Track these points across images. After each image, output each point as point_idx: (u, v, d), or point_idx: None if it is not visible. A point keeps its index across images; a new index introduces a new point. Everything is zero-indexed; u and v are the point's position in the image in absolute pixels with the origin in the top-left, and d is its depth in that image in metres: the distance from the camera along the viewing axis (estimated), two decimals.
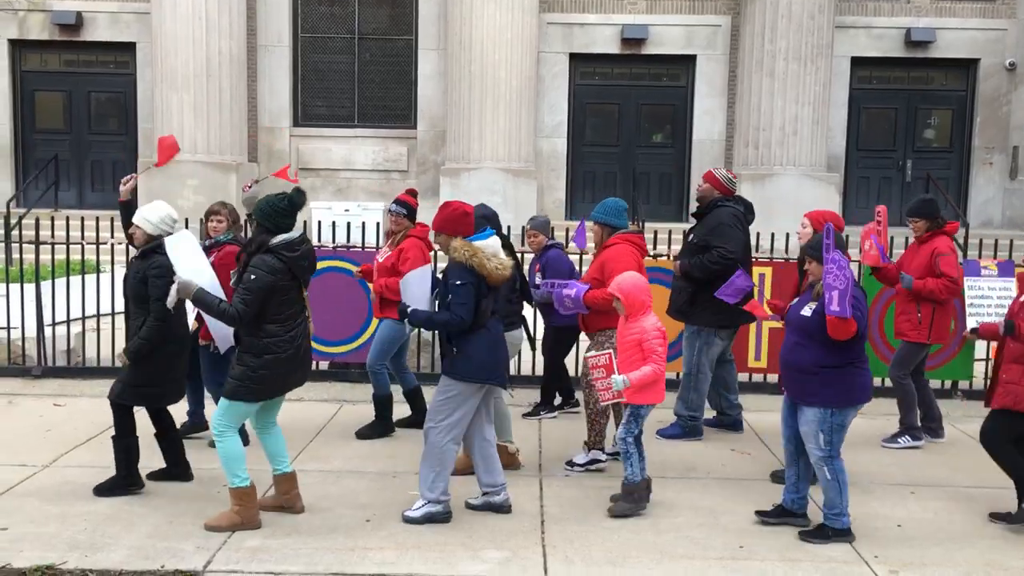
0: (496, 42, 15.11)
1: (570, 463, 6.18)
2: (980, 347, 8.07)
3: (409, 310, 5.16)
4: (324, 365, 8.38)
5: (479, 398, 5.15)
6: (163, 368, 5.38)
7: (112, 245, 8.29)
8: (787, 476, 5.24)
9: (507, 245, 5.96)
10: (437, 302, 5.31)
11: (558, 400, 7.62)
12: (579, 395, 7.47)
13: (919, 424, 6.89)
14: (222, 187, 15.11)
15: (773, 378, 8.13)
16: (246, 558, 4.60)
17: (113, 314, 8.56)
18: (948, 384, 8.25)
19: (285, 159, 16.73)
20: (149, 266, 5.28)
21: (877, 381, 7.04)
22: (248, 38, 16.25)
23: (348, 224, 9.22)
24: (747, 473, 6.14)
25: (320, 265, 6.60)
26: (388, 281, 6.55)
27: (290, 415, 5.86)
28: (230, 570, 4.48)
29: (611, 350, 5.34)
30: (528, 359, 8.32)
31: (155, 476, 5.65)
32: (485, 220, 5.85)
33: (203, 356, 6.28)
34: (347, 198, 16.72)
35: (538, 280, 6.98)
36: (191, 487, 5.59)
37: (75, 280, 9.10)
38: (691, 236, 6.88)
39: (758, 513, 5.27)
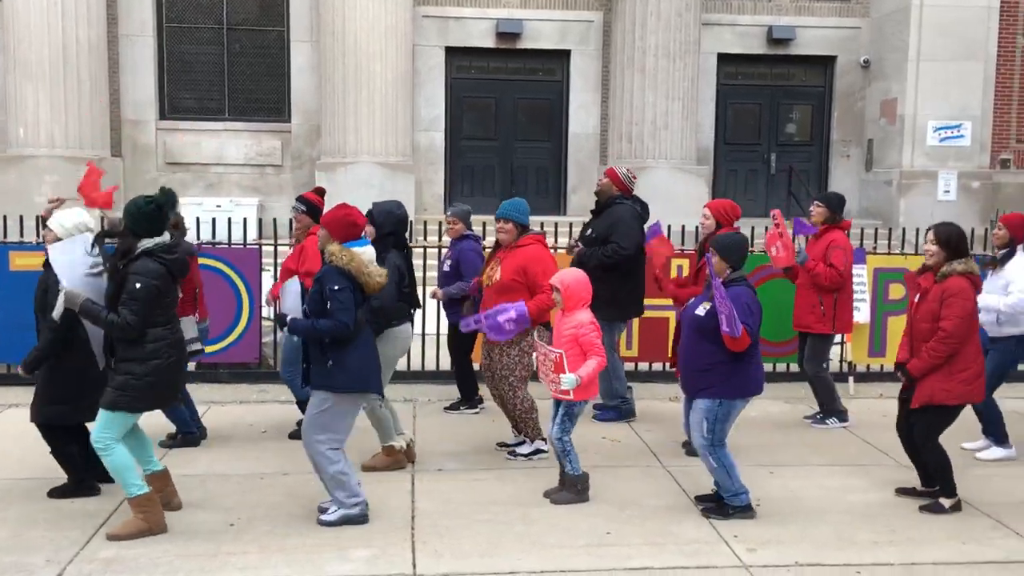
0: (370, 35, 14.91)
1: (513, 452, 6.22)
2: None
3: (289, 319, 4.96)
4: (192, 365, 8.09)
5: (359, 407, 5.08)
6: (71, 384, 5.12)
7: None
8: None
9: (403, 246, 5.94)
10: (305, 308, 5.08)
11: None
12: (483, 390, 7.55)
13: (844, 408, 7.26)
14: None
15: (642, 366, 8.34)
16: (99, 570, 4.40)
17: None
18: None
19: (151, 152, 16.12)
20: (52, 275, 4.99)
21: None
22: (109, 27, 15.55)
23: (214, 220, 8.95)
24: (618, 460, 6.27)
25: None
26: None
27: (154, 417, 5.65)
28: None
29: (562, 350, 5.30)
30: (432, 356, 8.30)
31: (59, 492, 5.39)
32: (399, 223, 5.89)
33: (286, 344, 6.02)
34: (219, 194, 16.23)
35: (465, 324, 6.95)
36: (44, 499, 5.32)
37: None
38: (588, 230, 7.08)
39: (697, 499, 5.46)
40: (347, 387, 4.90)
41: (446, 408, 7.48)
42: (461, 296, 7.03)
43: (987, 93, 16.35)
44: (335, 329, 4.79)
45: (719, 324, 4.91)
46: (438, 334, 8.24)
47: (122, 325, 4.61)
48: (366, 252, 4.99)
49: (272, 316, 7.98)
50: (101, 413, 4.76)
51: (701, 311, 5.13)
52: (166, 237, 4.81)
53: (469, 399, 7.50)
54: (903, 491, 5.68)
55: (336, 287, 4.79)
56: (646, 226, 7.05)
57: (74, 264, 4.82)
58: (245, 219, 9.12)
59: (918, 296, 5.44)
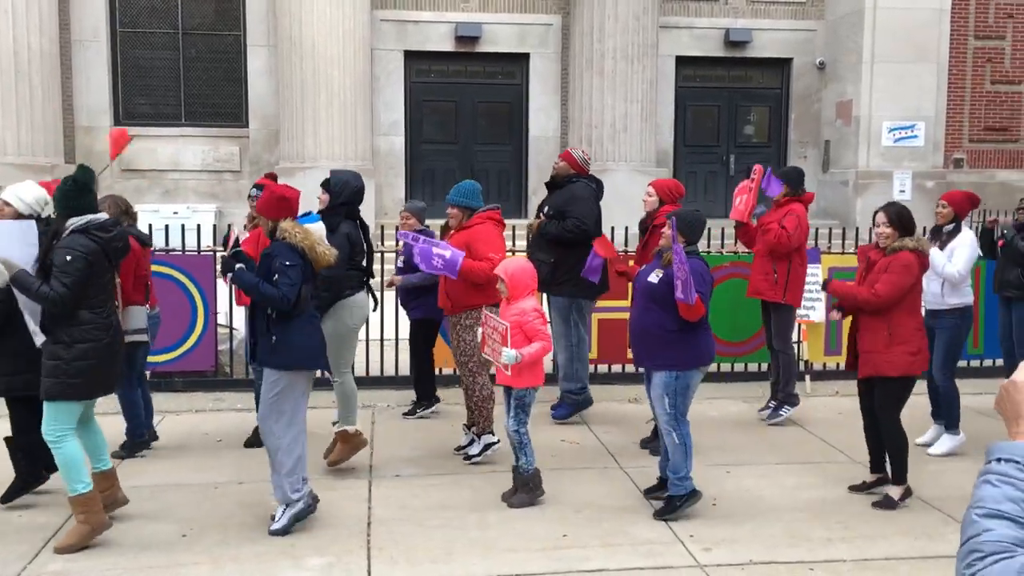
0: (328, 39, 14.83)
1: (467, 456, 6.19)
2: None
3: (237, 267, 4.88)
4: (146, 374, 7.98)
5: (309, 385, 5.06)
6: (27, 350, 4.93)
7: None
8: (661, 448, 5.43)
9: (355, 216, 5.94)
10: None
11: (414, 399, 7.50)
12: (448, 388, 7.52)
13: (796, 392, 7.36)
14: None
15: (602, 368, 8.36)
16: None
17: None
18: (764, 367, 8.67)
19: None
20: None
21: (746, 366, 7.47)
22: (61, 32, 15.32)
23: (166, 227, 8.83)
24: (575, 462, 6.27)
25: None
26: None
27: (105, 429, 5.53)
28: None
29: (508, 323, 5.24)
30: (391, 361, 8.22)
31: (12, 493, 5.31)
32: (356, 192, 5.87)
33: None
34: (176, 200, 16.05)
35: (405, 248, 6.86)
36: None
37: None
38: (545, 207, 7.07)
39: (645, 491, 5.54)
40: (293, 363, 4.87)
41: (405, 414, 7.41)
42: (420, 287, 6.96)
43: (940, 94, 16.63)
44: (275, 298, 4.75)
45: (674, 291, 4.92)
46: (397, 339, 8.20)
47: (54, 297, 4.49)
48: (318, 229, 5.00)
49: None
50: (45, 406, 4.66)
51: (654, 278, 5.16)
52: (100, 216, 4.74)
53: (427, 397, 7.40)
54: (855, 488, 5.75)
55: (288, 263, 4.78)
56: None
57: (10, 243, 4.70)
58: (199, 225, 9.00)
59: (865, 267, 5.51)
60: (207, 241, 9.28)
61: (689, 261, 4.97)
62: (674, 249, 4.92)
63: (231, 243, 5.06)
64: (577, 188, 6.99)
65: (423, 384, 7.40)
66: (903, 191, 16.43)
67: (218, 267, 7.62)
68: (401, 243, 7.19)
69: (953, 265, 6.29)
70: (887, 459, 5.60)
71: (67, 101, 15.70)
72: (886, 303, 5.33)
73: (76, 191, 4.67)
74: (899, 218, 5.43)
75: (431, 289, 6.81)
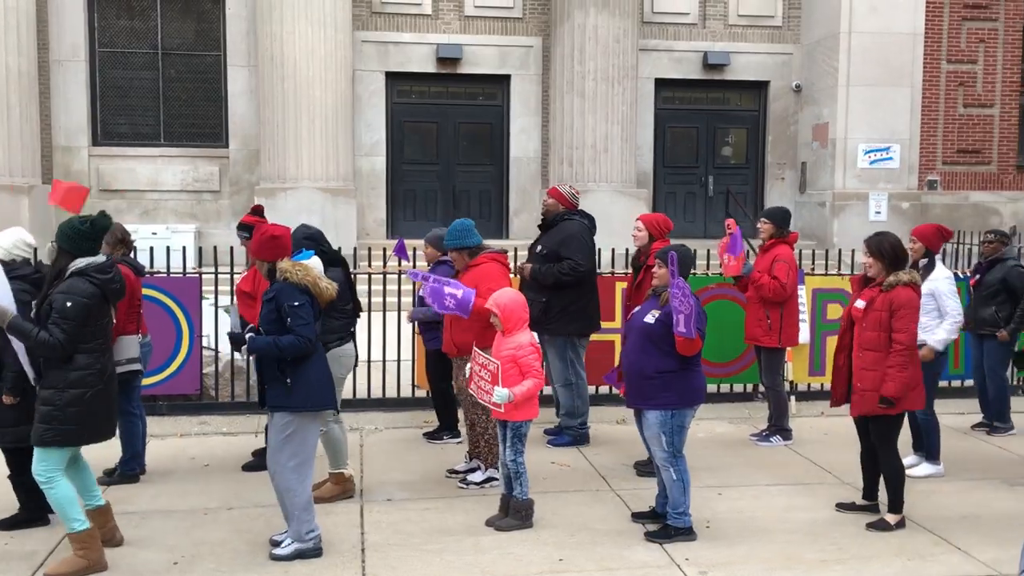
0: (309, 60, 14.82)
1: (465, 480, 6.15)
2: None
3: (248, 337, 4.83)
4: None
5: (318, 424, 5.01)
6: (31, 404, 4.88)
7: None
8: (658, 482, 5.43)
9: (340, 261, 5.87)
10: (261, 328, 4.92)
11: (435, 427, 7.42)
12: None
13: (789, 427, 7.40)
14: (13, 211, 14.04)
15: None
16: None
17: None
18: (750, 388, 8.72)
19: (84, 179, 15.70)
20: None
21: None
22: (40, 52, 15.20)
23: (151, 248, 8.76)
24: (567, 485, 6.26)
25: None
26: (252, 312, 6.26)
27: (91, 452, 5.44)
28: None
29: (499, 361, 5.25)
30: (378, 383, 8.17)
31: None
32: (309, 240, 5.73)
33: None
34: (155, 220, 15.93)
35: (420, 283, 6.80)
36: None
37: None
38: (539, 247, 7.06)
39: (634, 515, 5.55)
40: (307, 405, 4.82)
41: (427, 435, 7.32)
42: (436, 320, 6.79)
43: (914, 117, 16.87)
44: (298, 345, 4.72)
45: (673, 325, 4.93)
46: (384, 360, 8.18)
47: (52, 344, 4.46)
48: (316, 264, 4.98)
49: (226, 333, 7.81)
50: (35, 451, 4.62)
51: (650, 319, 5.18)
52: (100, 258, 4.72)
53: (451, 428, 7.28)
54: (843, 506, 5.79)
55: (296, 303, 4.74)
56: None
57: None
58: (184, 247, 8.95)
59: (864, 304, 5.53)
60: (190, 263, 9.21)
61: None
62: (676, 283, 4.91)
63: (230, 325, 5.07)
64: (571, 226, 6.96)
65: (447, 415, 7.29)
66: (879, 212, 16.63)
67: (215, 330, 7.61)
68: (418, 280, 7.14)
69: (948, 321, 6.43)
70: (880, 487, 5.65)
71: (45, 121, 15.56)
72: (913, 345, 5.43)
73: (91, 235, 4.66)
74: (879, 247, 5.48)
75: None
